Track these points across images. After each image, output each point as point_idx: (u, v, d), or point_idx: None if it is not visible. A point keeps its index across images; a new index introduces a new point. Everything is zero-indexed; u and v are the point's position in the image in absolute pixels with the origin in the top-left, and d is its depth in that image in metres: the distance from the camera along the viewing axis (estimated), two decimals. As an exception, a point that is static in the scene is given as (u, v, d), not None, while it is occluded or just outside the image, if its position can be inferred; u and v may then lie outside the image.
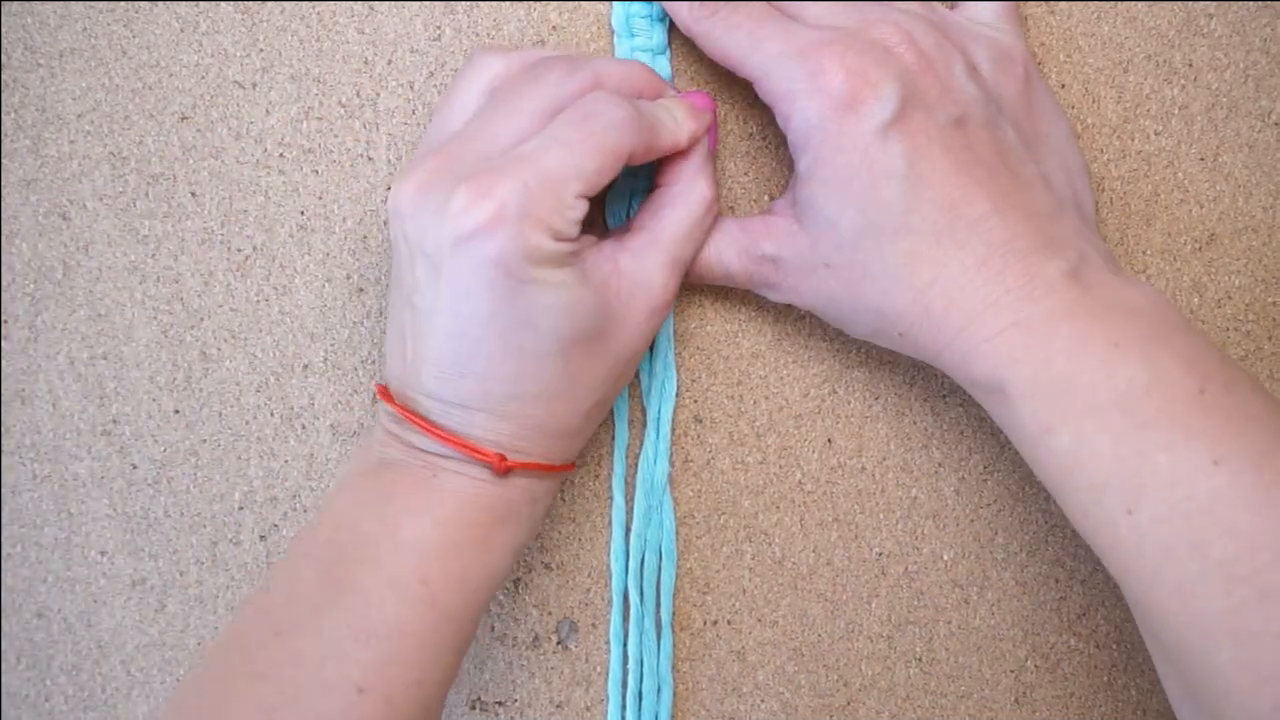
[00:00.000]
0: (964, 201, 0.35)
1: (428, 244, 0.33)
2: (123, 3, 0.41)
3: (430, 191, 0.33)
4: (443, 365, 0.34)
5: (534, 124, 0.34)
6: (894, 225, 0.35)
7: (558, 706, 0.43)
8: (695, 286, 0.43)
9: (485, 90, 0.36)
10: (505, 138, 0.34)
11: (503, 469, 0.34)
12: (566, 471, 0.37)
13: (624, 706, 0.42)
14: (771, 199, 0.43)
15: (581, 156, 0.33)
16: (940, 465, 0.43)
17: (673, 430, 0.43)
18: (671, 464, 0.43)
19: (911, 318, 0.36)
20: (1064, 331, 0.33)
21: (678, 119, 0.37)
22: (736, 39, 0.37)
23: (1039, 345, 0.33)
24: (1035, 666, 0.44)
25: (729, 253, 0.39)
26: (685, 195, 0.37)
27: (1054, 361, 0.33)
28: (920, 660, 0.44)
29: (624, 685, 0.42)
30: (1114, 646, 0.44)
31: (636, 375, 0.43)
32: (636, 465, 0.42)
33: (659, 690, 0.42)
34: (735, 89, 0.43)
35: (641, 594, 0.42)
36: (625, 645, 0.42)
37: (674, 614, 0.43)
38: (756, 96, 0.43)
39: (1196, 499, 0.30)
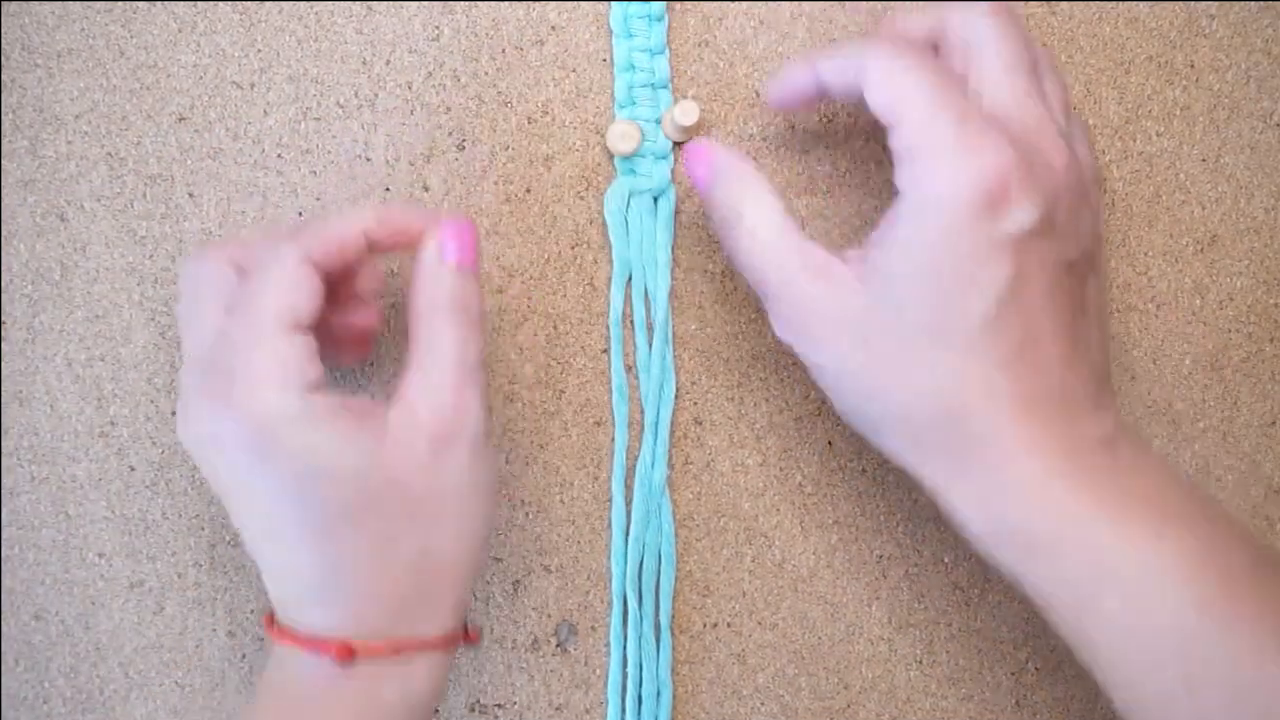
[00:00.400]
0: (1044, 340, 0.33)
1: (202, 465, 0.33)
2: (120, 3, 0.41)
3: (184, 417, 0.33)
4: (261, 563, 0.33)
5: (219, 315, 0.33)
6: (963, 338, 0.32)
7: (557, 709, 0.43)
8: (695, 289, 0.43)
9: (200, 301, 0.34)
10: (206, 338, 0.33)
11: (346, 657, 0.32)
12: (447, 647, 0.34)
13: (623, 710, 0.42)
14: (771, 200, 0.43)
15: (265, 297, 0.32)
16: (941, 467, 0.43)
17: (672, 433, 0.43)
18: (671, 466, 0.43)
19: (934, 433, 0.33)
20: (1109, 493, 0.32)
21: (350, 215, 0.34)
22: (914, 79, 0.33)
23: (1086, 502, 0.32)
24: (1036, 669, 0.44)
25: (770, 255, 0.35)
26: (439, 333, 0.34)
27: (1099, 521, 0.31)
28: (921, 663, 0.44)
29: (623, 689, 0.42)
30: (1115, 649, 0.44)
31: (636, 378, 0.42)
32: (635, 467, 0.42)
33: (658, 694, 0.42)
34: (734, 90, 0.43)
35: (640, 597, 0.42)
36: (625, 648, 0.42)
37: (674, 617, 0.43)
38: (756, 97, 0.43)
39: (1265, 686, 0.29)
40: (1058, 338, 0.33)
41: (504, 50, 0.42)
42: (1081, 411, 0.33)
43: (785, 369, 0.43)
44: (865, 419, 0.35)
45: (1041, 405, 0.32)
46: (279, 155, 0.42)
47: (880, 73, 0.34)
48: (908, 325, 0.33)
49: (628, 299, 0.42)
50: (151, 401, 0.42)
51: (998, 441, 0.32)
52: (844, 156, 0.43)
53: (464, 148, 0.42)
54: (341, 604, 0.32)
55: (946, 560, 0.44)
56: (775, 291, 0.35)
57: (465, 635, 0.35)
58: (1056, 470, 0.32)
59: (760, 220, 0.35)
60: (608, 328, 0.42)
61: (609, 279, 0.42)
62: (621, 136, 0.41)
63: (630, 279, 0.42)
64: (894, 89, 0.34)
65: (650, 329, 0.42)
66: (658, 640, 0.42)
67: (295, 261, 0.32)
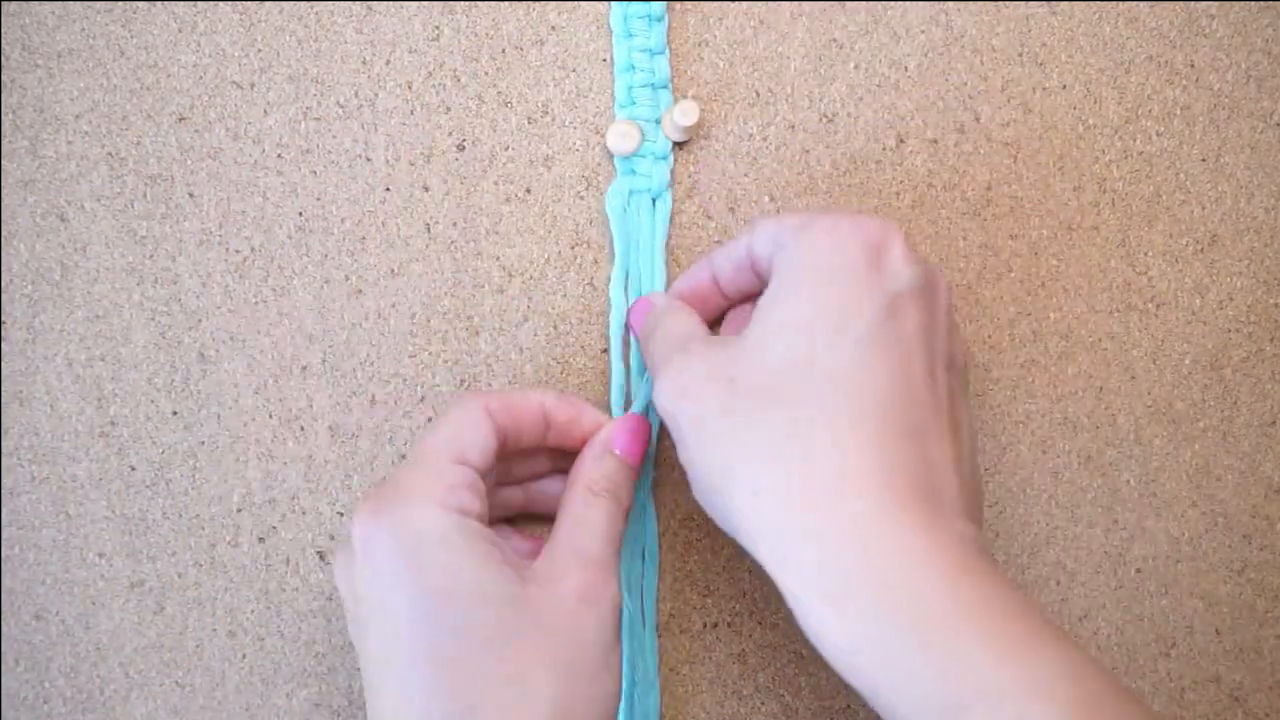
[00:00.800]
0: (918, 411, 0.31)
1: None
2: (121, 3, 0.41)
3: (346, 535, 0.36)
4: (371, 695, 0.32)
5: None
6: (829, 374, 0.31)
7: (557, 709, 0.43)
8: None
9: None
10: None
11: None
12: None
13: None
14: (771, 199, 0.43)
15: (439, 436, 0.34)
16: (941, 467, 0.43)
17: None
18: (670, 467, 0.43)
19: (784, 479, 0.30)
20: (971, 596, 0.28)
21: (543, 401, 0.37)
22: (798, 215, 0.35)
23: (950, 602, 0.28)
24: (1036, 669, 0.44)
25: (670, 334, 0.36)
26: (581, 510, 0.35)
27: (966, 626, 0.28)
28: (921, 663, 0.44)
29: None
30: (1115, 649, 0.44)
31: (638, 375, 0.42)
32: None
33: (650, 691, 0.42)
34: (734, 90, 0.43)
35: (628, 594, 0.42)
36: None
37: (672, 616, 0.43)
38: (756, 97, 0.43)
39: None
40: (934, 417, 0.31)
41: (504, 50, 0.42)
42: (949, 507, 0.30)
43: (785, 369, 0.43)
44: (715, 478, 0.32)
45: (903, 476, 0.30)
46: (279, 155, 0.42)
47: (770, 219, 0.36)
48: (775, 362, 0.32)
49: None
50: (151, 401, 0.42)
51: (847, 503, 0.29)
52: (844, 156, 0.43)
53: (464, 148, 0.42)
54: None
55: (946, 560, 0.44)
56: (662, 359, 0.35)
57: None
58: (917, 551, 0.29)
59: (672, 321, 0.37)
60: (607, 327, 0.42)
61: (609, 279, 0.42)
62: (621, 136, 0.41)
63: (628, 279, 0.42)
64: (781, 219, 0.35)
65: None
66: (645, 638, 0.42)
67: (473, 405, 0.35)
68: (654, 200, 0.42)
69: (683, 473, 0.43)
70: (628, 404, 0.42)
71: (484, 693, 0.30)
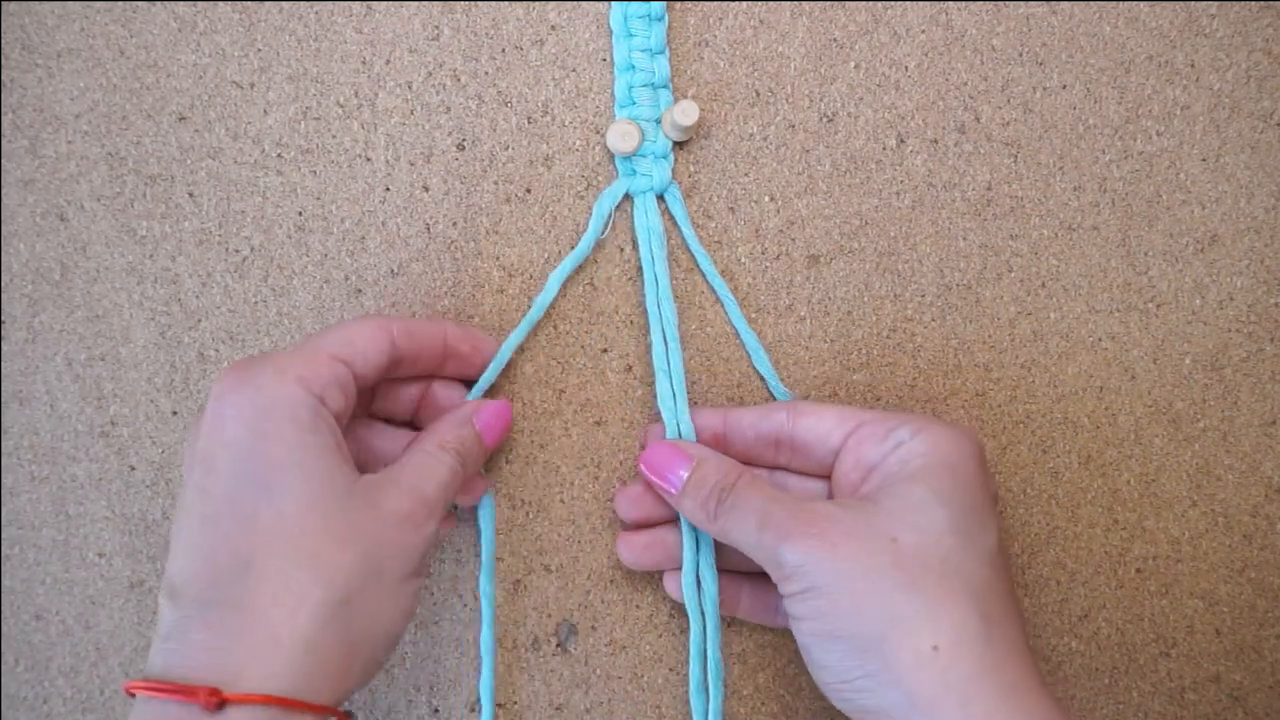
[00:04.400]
0: (1011, 602, 0.36)
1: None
2: (120, 3, 0.41)
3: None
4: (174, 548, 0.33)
5: None
6: (988, 551, 0.35)
7: (557, 709, 0.43)
8: (695, 288, 0.43)
9: None
10: None
11: (213, 705, 0.30)
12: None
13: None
14: (771, 199, 0.43)
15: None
16: (941, 467, 0.43)
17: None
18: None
19: (968, 636, 0.34)
20: None
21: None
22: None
23: None
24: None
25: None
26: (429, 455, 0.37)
27: None
28: (921, 662, 0.44)
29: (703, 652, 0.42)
30: (1115, 649, 0.44)
31: (635, 377, 0.42)
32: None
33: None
34: (734, 90, 0.43)
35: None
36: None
37: (672, 616, 0.43)
38: (756, 97, 0.43)
39: None
40: (1014, 606, 0.36)
41: (504, 50, 0.42)
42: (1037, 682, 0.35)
43: (786, 369, 0.43)
44: (881, 621, 0.34)
45: (1025, 649, 0.35)
46: (279, 155, 0.42)
47: (826, 413, 0.40)
48: (939, 528, 0.35)
49: (625, 297, 0.42)
50: (151, 401, 0.42)
51: (1020, 657, 0.34)
52: (844, 156, 0.43)
53: (464, 148, 0.42)
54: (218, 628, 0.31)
55: (946, 560, 0.44)
56: (786, 516, 0.37)
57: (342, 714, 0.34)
58: (1042, 695, 0.34)
59: (756, 485, 0.39)
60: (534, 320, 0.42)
61: (608, 279, 0.42)
62: (621, 136, 0.41)
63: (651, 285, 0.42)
64: (844, 413, 0.39)
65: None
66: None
67: (374, 321, 0.37)
68: (662, 196, 0.42)
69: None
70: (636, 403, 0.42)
71: (281, 555, 0.32)
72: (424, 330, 0.38)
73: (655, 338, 0.42)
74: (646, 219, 0.42)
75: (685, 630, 0.43)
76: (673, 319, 0.42)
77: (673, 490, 0.39)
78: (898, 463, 0.37)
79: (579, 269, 0.42)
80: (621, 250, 0.43)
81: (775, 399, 0.43)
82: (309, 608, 0.31)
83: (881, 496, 0.36)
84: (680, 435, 0.41)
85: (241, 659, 0.31)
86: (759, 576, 0.41)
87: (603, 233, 0.42)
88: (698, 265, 0.43)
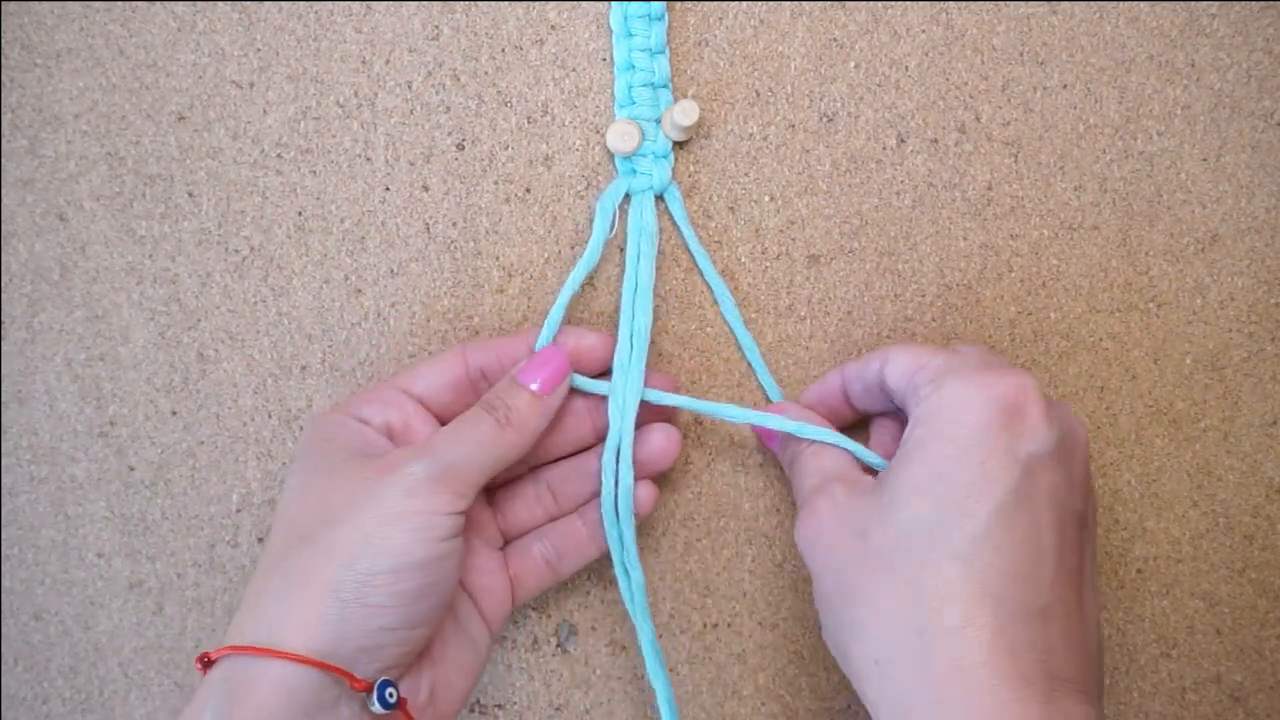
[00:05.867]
0: (1042, 583, 0.31)
1: None
2: (120, 2, 0.41)
3: None
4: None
5: None
6: (958, 545, 0.31)
7: (557, 709, 0.43)
8: (695, 288, 0.43)
9: None
10: None
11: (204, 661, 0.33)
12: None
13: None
14: (771, 199, 0.43)
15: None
16: (941, 467, 0.43)
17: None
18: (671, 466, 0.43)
19: (902, 653, 0.31)
20: None
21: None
22: (934, 350, 0.37)
23: None
24: (1037, 669, 0.44)
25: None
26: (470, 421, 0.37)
27: None
28: (921, 663, 0.44)
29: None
30: (1116, 649, 0.44)
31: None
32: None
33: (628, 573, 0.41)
34: (734, 90, 0.43)
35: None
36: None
37: (672, 616, 0.43)
38: (756, 97, 0.43)
39: None
40: (1061, 594, 0.31)
41: (504, 50, 0.42)
42: (1067, 687, 0.30)
43: (785, 369, 0.43)
44: (843, 633, 0.33)
45: (1026, 657, 0.30)
46: (279, 155, 0.42)
47: (905, 352, 0.37)
48: (906, 525, 0.32)
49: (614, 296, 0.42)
50: (151, 401, 0.42)
51: (965, 682, 0.30)
52: (844, 156, 0.43)
53: (464, 148, 0.42)
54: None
55: (947, 560, 0.44)
56: (801, 499, 0.38)
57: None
58: None
59: (814, 458, 0.38)
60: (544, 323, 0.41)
61: (607, 279, 0.42)
62: (621, 136, 0.41)
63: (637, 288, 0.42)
64: (917, 356, 0.36)
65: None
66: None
67: (451, 352, 0.39)
68: (661, 196, 0.42)
69: (682, 475, 0.43)
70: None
71: (292, 539, 0.34)
72: (500, 341, 0.39)
73: (622, 340, 0.41)
74: (641, 218, 0.42)
75: (685, 631, 0.43)
76: (646, 324, 0.41)
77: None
78: (910, 427, 0.36)
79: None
80: (621, 250, 0.43)
81: (770, 400, 0.43)
82: (315, 586, 0.33)
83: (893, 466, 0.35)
84: (621, 442, 0.39)
85: (235, 626, 0.33)
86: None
87: (610, 232, 0.41)
88: (696, 265, 0.43)
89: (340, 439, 0.37)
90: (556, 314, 0.40)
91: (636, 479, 0.39)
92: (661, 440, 0.40)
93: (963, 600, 0.31)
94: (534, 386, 0.37)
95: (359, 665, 0.33)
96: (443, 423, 0.39)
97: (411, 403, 0.38)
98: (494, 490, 0.41)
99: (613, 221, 0.41)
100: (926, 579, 0.31)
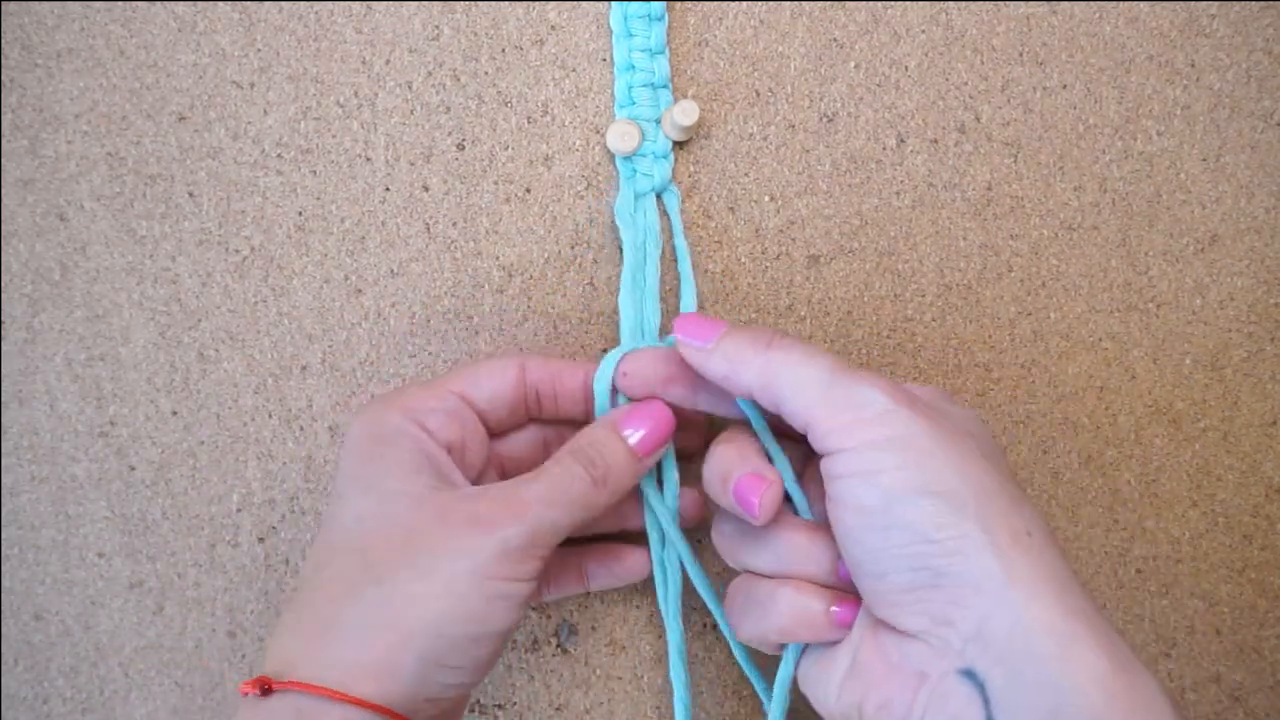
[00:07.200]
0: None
1: None
2: (120, 2, 0.41)
3: None
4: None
5: None
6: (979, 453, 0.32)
7: (557, 709, 0.43)
8: (695, 288, 0.43)
9: None
10: None
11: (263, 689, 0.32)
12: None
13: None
14: (771, 199, 0.43)
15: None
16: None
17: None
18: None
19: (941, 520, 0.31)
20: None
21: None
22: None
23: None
24: (1036, 669, 0.44)
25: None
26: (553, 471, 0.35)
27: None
28: (921, 663, 0.44)
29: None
30: (1115, 649, 0.44)
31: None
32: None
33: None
34: (734, 90, 0.43)
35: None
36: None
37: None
38: (756, 97, 0.43)
39: None
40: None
41: (504, 50, 0.42)
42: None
43: (785, 369, 0.43)
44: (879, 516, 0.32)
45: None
46: (279, 155, 0.42)
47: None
48: (996, 459, 0.33)
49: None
50: (151, 401, 0.42)
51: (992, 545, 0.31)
52: (844, 156, 0.43)
53: (464, 148, 0.42)
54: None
55: (947, 560, 0.44)
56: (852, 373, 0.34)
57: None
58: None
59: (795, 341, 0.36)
60: (618, 334, 0.42)
61: (611, 279, 0.42)
62: (621, 136, 0.41)
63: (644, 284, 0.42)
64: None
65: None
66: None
67: (509, 358, 0.38)
68: (660, 194, 0.42)
69: (683, 476, 0.43)
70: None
71: (340, 557, 0.33)
72: (560, 364, 0.38)
73: (625, 341, 0.41)
74: (645, 219, 0.42)
75: (685, 631, 0.43)
76: (655, 321, 0.41)
77: (706, 343, 0.35)
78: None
79: (581, 269, 0.42)
80: (622, 250, 0.43)
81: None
82: (396, 637, 0.32)
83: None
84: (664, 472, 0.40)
85: (302, 656, 0.32)
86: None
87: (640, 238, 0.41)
88: (677, 264, 0.42)
89: (407, 450, 0.35)
90: (626, 344, 0.39)
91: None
92: (693, 499, 0.40)
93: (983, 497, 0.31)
94: (631, 439, 0.36)
95: (420, 712, 0.32)
96: (490, 434, 0.38)
97: (473, 416, 0.37)
98: None
99: (632, 223, 0.41)
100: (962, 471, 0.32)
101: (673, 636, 0.41)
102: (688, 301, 0.41)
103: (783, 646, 0.36)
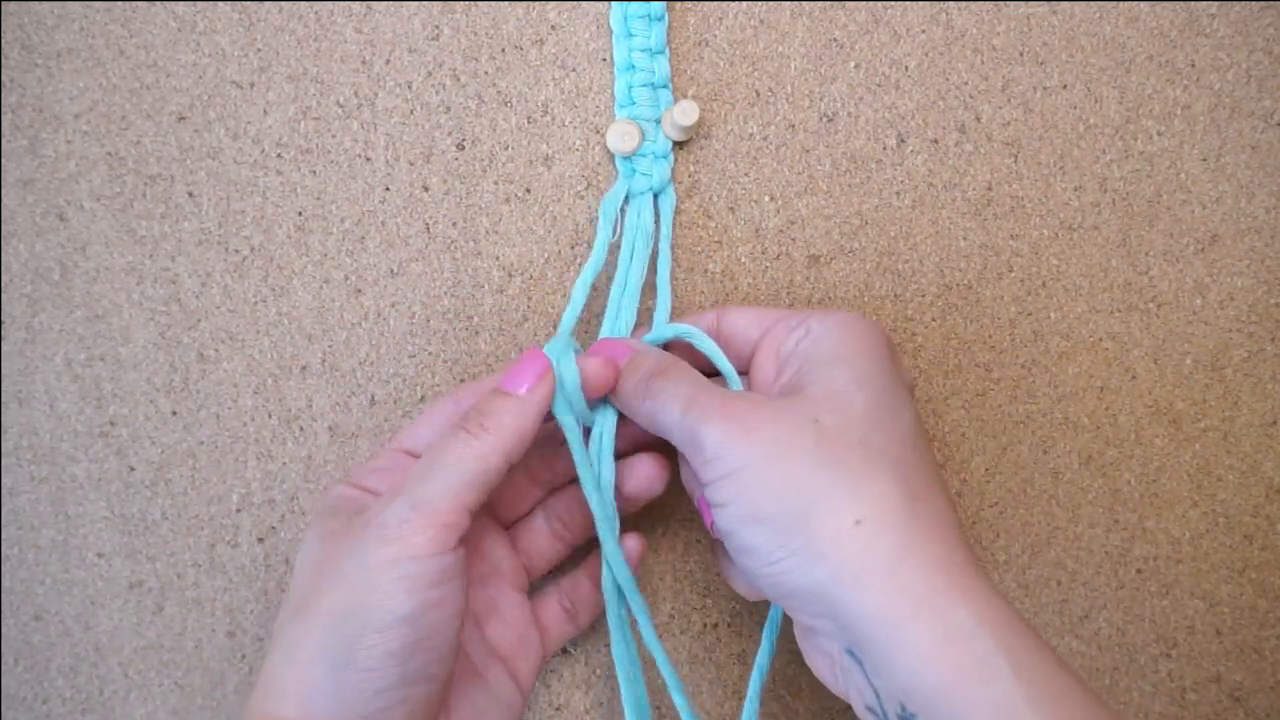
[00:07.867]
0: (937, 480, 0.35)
1: None
2: (120, 2, 0.41)
3: None
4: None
5: None
6: (892, 457, 0.33)
7: (557, 710, 0.43)
8: (695, 288, 0.43)
9: None
10: None
11: None
12: None
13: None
14: (771, 199, 0.43)
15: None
16: (942, 468, 0.43)
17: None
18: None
19: (872, 519, 0.32)
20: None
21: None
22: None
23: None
24: (1037, 669, 0.44)
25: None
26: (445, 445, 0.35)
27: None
28: (921, 663, 0.44)
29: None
30: (1116, 649, 0.44)
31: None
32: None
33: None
34: (734, 90, 0.43)
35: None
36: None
37: (672, 616, 0.43)
38: (756, 97, 0.43)
39: None
40: (941, 486, 0.35)
41: (504, 50, 0.42)
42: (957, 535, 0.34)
43: (785, 369, 0.43)
44: (799, 506, 0.33)
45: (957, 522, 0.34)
46: (279, 155, 0.42)
47: (743, 313, 0.39)
48: (863, 410, 0.34)
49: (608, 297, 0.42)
50: (151, 401, 0.42)
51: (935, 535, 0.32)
52: (844, 156, 0.43)
53: (464, 148, 0.42)
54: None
55: (947, 560, 0.44)
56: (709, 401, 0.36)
57: None
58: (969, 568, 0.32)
59: (684, 369, 0.37)
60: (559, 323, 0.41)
61: (608, 279, 0.42)
62: (621, 136, 0.41)
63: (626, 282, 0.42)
64: (767, 316, 0.39)
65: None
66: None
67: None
68: (656, 198, 0.42)
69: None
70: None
71: (292, 614, 0.34)
72: (487, 381, 0.38)
73: (562, 330, 0.40)
74: (639, 218, 0.42)
75: (685, 631, 0.43)
76: (630, 322, 0.41)
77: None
78: (811, 348, 0.36)
79: (581, 269, 0.42)
80: (620, 250, 0.43)
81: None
82: (305, 654, 0.32)
83: (802, 384, 0.35)
84: (601, 449, 0.39)
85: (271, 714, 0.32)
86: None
87: (614, 235, 0.41)
88: (657, 265, 0.42)
89: (343, 510, 0.36)
90: (568, 321, 0.39)
91: (626, 511, 0.39)
92: (647, 471, 0.39)
93: (926, 474, 0.34)
94: (505, 388, 0.36)
95: None
96: None
97: (403, 460, 0.38)
98: (510, 528, 0.41)
99: (616, 223, 0.41)
100: (895, 454, 0.33)
101: (611, 617, 0.39)
102: (661, 309, 0.41)
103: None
